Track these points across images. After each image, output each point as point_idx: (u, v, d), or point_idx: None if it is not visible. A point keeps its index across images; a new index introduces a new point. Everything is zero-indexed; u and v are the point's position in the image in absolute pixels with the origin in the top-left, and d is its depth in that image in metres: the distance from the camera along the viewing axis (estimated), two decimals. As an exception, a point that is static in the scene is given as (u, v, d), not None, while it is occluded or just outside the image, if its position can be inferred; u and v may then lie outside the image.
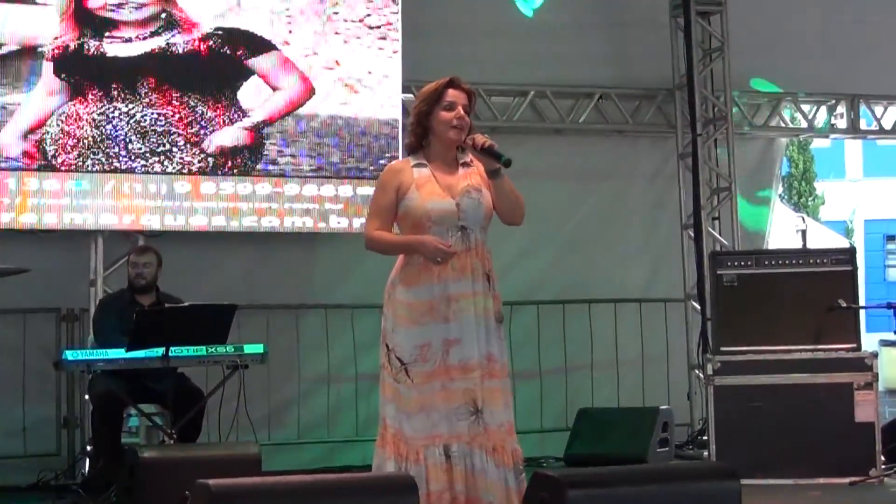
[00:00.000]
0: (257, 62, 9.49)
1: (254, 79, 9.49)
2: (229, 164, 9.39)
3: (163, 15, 9.27)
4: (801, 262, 8.85)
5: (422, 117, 5.53)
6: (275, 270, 9.94)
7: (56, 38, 9.00)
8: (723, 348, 8.76)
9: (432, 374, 5.34)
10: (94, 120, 9.06)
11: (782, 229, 12.65)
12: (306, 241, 9.97)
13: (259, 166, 9.46)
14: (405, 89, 9.91)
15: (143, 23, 9.21)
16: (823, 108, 11.94)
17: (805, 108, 11.94)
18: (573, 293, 10.73)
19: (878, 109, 12.10)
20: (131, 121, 9.13)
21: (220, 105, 9.38)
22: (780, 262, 8.87)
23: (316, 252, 10.18)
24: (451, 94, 5.49)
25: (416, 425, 5.32)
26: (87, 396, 8.55)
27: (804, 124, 12.22)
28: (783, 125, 12.01)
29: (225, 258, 9.83)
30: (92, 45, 9.06)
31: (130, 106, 9.14)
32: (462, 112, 5.47)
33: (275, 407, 9.67)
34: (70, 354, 7.84)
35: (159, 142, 9.20)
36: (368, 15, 9.76)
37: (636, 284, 11.04)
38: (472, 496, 5.33)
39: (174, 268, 8.90)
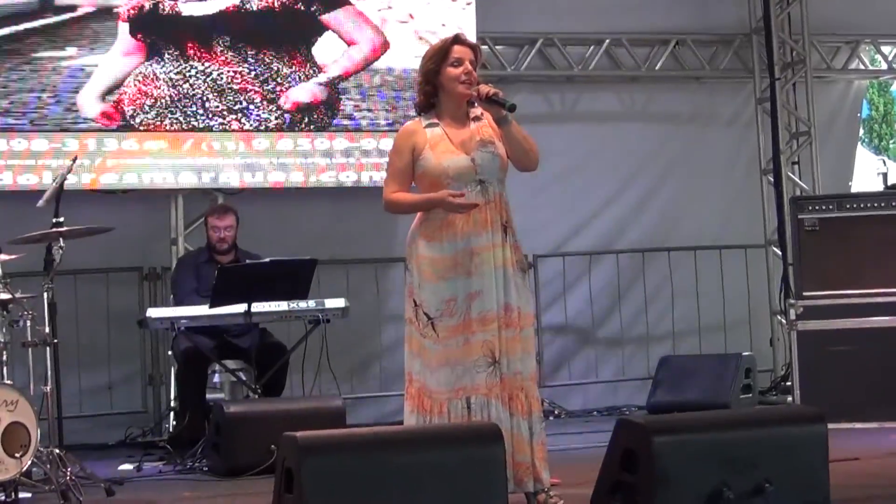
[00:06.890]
0: (331, 17, 9.49)
1: (328, 34, 9.50)
2: (306, 119, 9.41)
3: (236, -28, 9.29)
4: (883, 204, 8.75)
5: (430, 76, 5.59)
6: (353, 225, 9.93)
7: (131, -1, 9.06)
8: (805, 293, 8.69)
9: (456, 328, 5.37)
10: (170, 79, 9.11)
11: (864, 172, 12.49)
12: (384, 195, 9.96)
13: (336, 121, 9.48)
14: (480, 41, 9.86)
15: (216, -19, 9.24)
16: (903, 49, 11.76)
17: (885, 49, 11.75)
18: (652, 241, 10.68)
19: (960, 48, 11.89)
20: (208, 79, 9.17)
21: (295, 61, 9.40)
22: (862, 205, 8.77)
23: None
24: (458, 50, 5.54)
25: (441, 379, 5.35)
26: (171, 353, 8.65)
27: (884, 66, 12.05)
28: (862, 67, 11.84)
29: (303, 214, 9.86)
30: (167, 4, 9.10)
31: (206, 64, 9.18)
32: (469, 67, 5.52)
33: (357, 360, 9.73)
34: (154, 312, 7.93)
35: (236, 99, 9.24)
36: (441, -33, 9.74)
37: (714, 231, 10.94)
38: None
39: (253, 225, 8.95)
